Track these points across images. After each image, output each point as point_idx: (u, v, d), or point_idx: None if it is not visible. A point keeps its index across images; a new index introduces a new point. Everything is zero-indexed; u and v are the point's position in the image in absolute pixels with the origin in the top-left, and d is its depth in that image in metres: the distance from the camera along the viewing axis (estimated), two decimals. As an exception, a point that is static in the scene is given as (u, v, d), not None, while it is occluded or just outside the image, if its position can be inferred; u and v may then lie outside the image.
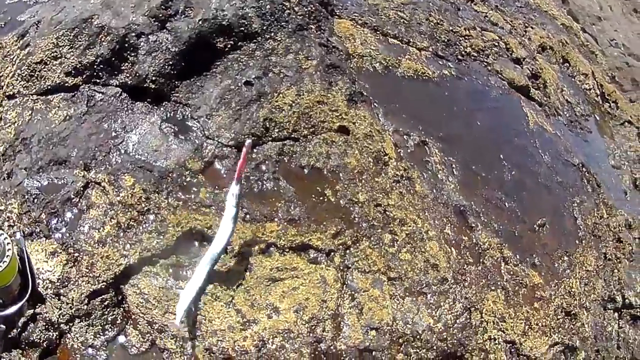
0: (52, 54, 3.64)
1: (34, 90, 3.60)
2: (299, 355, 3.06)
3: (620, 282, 4.35)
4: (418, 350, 3.27)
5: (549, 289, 3.83)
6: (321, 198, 3.55)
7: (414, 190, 3.77)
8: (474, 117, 4.52)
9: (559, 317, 3.82)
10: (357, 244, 3.44)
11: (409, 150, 3.97)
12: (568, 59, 5.99)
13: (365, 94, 4.07)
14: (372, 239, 3.49)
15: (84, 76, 3.61)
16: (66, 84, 3.60)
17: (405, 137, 4.02)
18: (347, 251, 3.41)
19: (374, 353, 3.19)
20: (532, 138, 4.74)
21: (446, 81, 4.65)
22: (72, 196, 3.23)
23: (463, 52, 4.97)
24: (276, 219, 3.35)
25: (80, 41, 3.64)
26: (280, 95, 3.75)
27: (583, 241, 4.24)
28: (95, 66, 3.62)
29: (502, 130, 4.62)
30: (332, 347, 3.13)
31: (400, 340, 3.26)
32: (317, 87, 3.87)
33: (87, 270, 3.03)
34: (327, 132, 3.80)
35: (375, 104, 4.07)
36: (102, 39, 3.63)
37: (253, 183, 3.44)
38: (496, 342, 3.51)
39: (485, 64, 5.11)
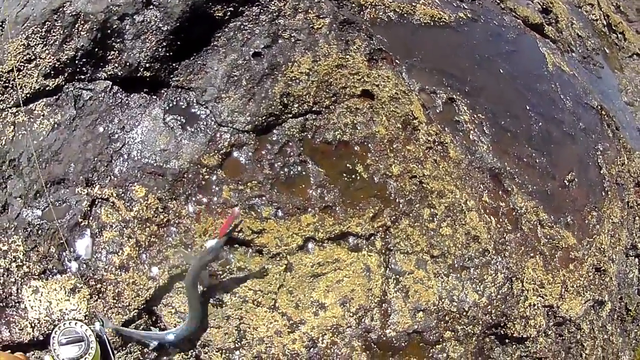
0: (25, 57, 3.21)
1: (12, 102, 3.19)
2: (350, 349, 3.04)
3: (642, 229, 4.51)
4: (465, 327, 3.32)
5: (582, 249, 3.92)
6: (353, 176, 3.38)
7: (448, 156, 3.65)
8: (495, 65, 4.35)
9: (590, 275, 3.94)
10: (397, 224, 3.35)
11: (437, 110, 3.80)
12: (574, -12, 5.81)
13: (384, 49, 3.79)
14: (411, 215, 3.39)
15: (66, 75, 3.21)
16: (47, 88, 3.21)
17: (432, 95, 3.83)
18: (387, 232, 3.32)
19: (422, 334, 3.21)
20: (552, 82, 4.64)
21: (463, 25, 4.41)
22: (80, 219, 2.96)
23: (476, -11, 4.69)
24: (310, 210, 3.17)
25: (54, 36, 3.19)
26: (295, 64, 3.43)
27: (609, 192, 4.31)
28: (76, 61, 3.21)
29: (524, 77, 4.49)
30: (382, 336, 3.13)
31: (447, 318, 3.29)
32: (333, 49, 3.57)
33: (115, 301, 2.85)
34: (351, 99, 3.55)
35: (397, 60, 3.81)
36: (80, 29, 3.19)
37: (279, 170, 3.22)
38: (536, 307, 3.60)
39: (498, 1, 4.86)
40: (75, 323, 2.64)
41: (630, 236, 4.42)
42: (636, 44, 5.80)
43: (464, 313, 3.31)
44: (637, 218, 4.54)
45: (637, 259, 4.50)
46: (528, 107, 4.28)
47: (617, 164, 4.52)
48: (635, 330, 4.43)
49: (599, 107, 4.80)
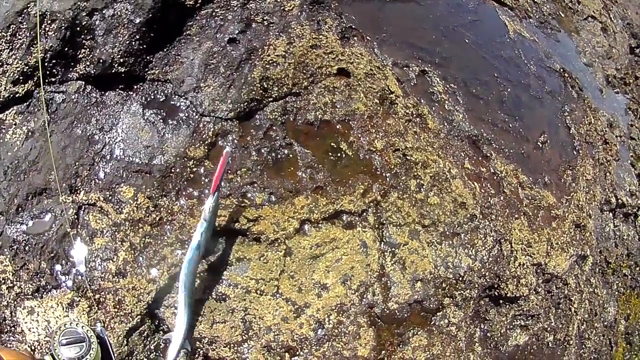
0: (-10, 65, 3.20)
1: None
2: (357, 326, 3.26)
3: (613, 185, 4.96)
4: (462, 292, 3.61)
5: (561, 207, 4.29)
6: (339, 154, 3.60)
7: (427, 127, 3.92)
8: (460, 35, 4.67)
9: (571, 231, 4.33)
10: (387, 197, 3.59)
11: (412, 83, 4.07)
12: (525, -48, 6.21)
13: (355, 27, 4.03)
14: (399, 188, 3.65)
15: (35, 79, 3.22)
16: (17, 95, 3.21)
17: (405, 69, 4.09)
18: (379, 207, 3.55)
19: (423, 303, 3.47)
20: (515, 48, 5.01)
21: (425, -3, 4.71)
22: (68, 229, 2.99)
23: (433, -40, 4.99)
24: (302, 192, 3.37)
25: (20, 39, 3.20)
26: (271, 47, 3.61)
27: (580, 151, 4.72)
28: (46, 63, 3.23)
29: (488, 45, 4.83)
30: (385, 309, 3.37)
31: (444, 285, 3.56)
32: (306, 29, 3.78)
33: (116, 310, 2.92)
34: (327, 78, 3.77)
35: (367, 37, 4.05)
36: (47, 29, 3.22)
37: (267, 155, 3.39)
38: (525, 266, 3.94)
39: (455, -29, 5.19)
40: (77, 324, 2.71)
41: (604, 192, 4.85)
42: (590, 6, 6.29)
43: (460, 278, 3.60)
44: (607, 174, 4.98)
45: (611, 214, 4.94)
46: (496, 74, 4.62)
47: (584, 124, 4.95)
48: (617, 282, 4.88)
49: (561, 69, 5.22)
